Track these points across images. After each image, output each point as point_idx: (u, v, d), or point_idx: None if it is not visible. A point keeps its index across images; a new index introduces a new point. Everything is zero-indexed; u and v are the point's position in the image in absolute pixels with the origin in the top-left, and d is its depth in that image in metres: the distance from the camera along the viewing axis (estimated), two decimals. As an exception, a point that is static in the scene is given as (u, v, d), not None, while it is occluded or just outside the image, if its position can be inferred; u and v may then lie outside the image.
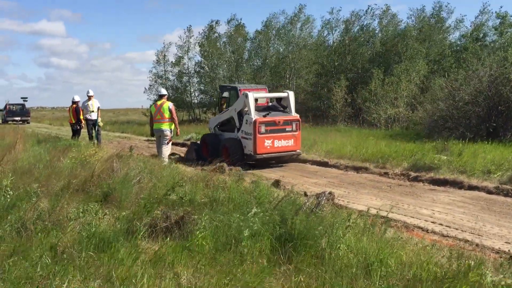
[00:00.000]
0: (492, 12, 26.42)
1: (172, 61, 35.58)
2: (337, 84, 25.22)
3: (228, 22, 33.51)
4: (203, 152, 11.41)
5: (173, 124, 9.95)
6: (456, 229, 5.45)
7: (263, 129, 10.06)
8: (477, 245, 4.70)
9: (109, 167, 6.26)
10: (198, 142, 12.34)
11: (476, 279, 3.19)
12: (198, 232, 4.05)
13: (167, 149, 10.06)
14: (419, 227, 5.50)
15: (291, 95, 10.91)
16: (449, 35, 28.72)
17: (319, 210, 4.57)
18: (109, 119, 36.53)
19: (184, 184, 5.84)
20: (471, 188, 7.72)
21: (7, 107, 36.72)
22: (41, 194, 5.07)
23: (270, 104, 11.41)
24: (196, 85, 35.38)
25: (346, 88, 24.94)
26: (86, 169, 6.52)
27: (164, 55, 35.78)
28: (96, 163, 6.75)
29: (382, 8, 29.65)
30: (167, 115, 9.80)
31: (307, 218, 4.22)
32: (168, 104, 9.90)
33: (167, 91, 12.73)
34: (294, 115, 10.73)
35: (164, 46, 39.89)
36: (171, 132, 9.99)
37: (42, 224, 4.21)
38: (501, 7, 42.88)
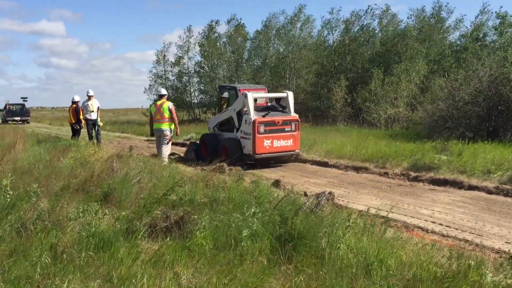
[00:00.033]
0: (492, 12, 26.50)
1: (172, 61, 35.63)
2: (337, 84, 25.23)
3: (228, 22, 33.57)
4: (202, 152, 11.42)
5: (173, 124, 9.95)
6: (456, 229, 5.45)
7: (262, 129, 10.07)
8: (477, 245, 4.69)
9: (109, 167, 6.25)
10: (197, 142, 12.35)
11: (476, 279, 3.19)
12: (198, 232, 4.05)
13: (167, 149, 10.06)
14: (419, 227, 5.50)
15: (290, 95, 10.92)
16: (449, 35, 28.75)
17: (319, 210, 4.56)
18: (109, 119, 36.54)
19: (184, 184, 5.84)
20: (471, 188, 7.72)
21: (7, 107, 36.74)
22: (41, 194, 5.07)
23: (269, 104, 11.42)
24: (196, 85, 35.45)
25: (346, 88, 24.95)
26: (86, 169, 6.52)
27: (164, 55, 35.82)
28: (96, 163, 6.75)
29: (382, 8, 29.70)
30: (167, 115, 9.80)
31: (307, 218, 4.22)
32: (168, 104, 9.90)
33: (167, 91, 12.72)
34: (293, 115, 10.73)
35: (164, 46, 39.96)
36: (171, 132, 9.98)
37: (42, 224, 4.21)
38: (501, 7, 42.95)
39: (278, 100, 11.17)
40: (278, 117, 10.46)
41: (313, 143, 12.64)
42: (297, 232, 3.97)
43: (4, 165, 6.47)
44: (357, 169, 9.88)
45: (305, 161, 11.17)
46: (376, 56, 27.36)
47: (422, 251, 3.86)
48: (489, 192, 7.42)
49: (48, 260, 3.39)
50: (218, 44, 33.30)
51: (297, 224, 4.05)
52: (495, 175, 8.16)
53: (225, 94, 11.63)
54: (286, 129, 10.43)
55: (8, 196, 4.86)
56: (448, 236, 5.14)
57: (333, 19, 30.02)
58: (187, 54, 34.86)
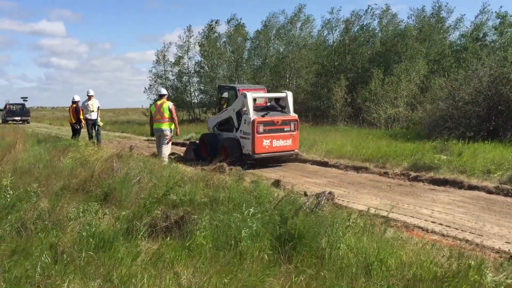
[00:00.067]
0: (492, 12, 26.50)
1: (172, 61, 35.63)
2: (337, 84, 25.23)
3: (228, 22, 33.59)
4: (202, 152, 11.43)
5: (173, 124, 9.95)
6: (456, 229, 5.45)
7: (261, 129, 10.08)
8: (477, 245, 4.69)
9: (109, 167, 6.25)
10: (197, 142, 12.35)
11: (476, 278, 3.19)
12: (198, 232, 4.05)
13: (167, 149, 10.06)
14: (419, 227, 5.50)
15: (290, 95, 10.92)
16: (449, 35, 28.74)
17: (319, 210, 4.57)
18: (109, 119, 36.55)
19: (184, 184, 5.84)
20: (471, 188, 7.72)
21: (7, 107, 36.75)
22: (41, 194, 5.07)
23: (269, 104, 11.42)
24: (196, 85, 35.47)
25: (346, 88, 24.95)
26: (86, 169, 6.52)
27: (164, 55, 35.84)
28: (96, 163, 6.74)
29: (382, 8, 29.74)
30: (167, 115, 9.80)
31: (307, 218, 4.22)
32: (168, 104, 9.90)
33: (167, 91, 12.73)
34: (292, 115, 10.74)
35: (164, 46, 40.06)
36: (171, 132, 9.98)
37: (42, 224, 4.21)
38: (501, 7, 42.95)
39: (277, 100, 11.18)
40: (277, 117, 10.47)
41: (313, 143, 12.65)
42: (297, 232, 3.97)
43: (4, 165, 6.47)
44: (357, 169, 9.88)
45: (305, 161, 11.17)
46: (376, 56, 27.36)
47: (422, 251, 3.86)
48: (489, 192, 7.42)
49: (48, 260, 3.39)
50: (218, 44, 33.31)
51: (297, 224, 4.05)
52: (495, 175, 8.17)
53: (225, 94, 11.64)
54: (285, 129, 10.45)
55: (8, 196, 4.86)
56: (448, 236, 5.14)
57: (333, 19, 30.09)
58: (187, 54, 34.93)
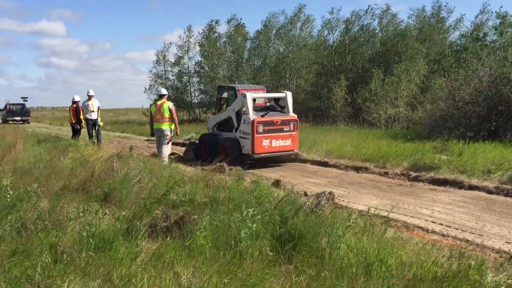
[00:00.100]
0: (492, 12, 26.49)
1: (172, 61, 35.64)
2: (337, 84, 25.22)
3: (228, 22, 33.59)
4: (201, 152, 11.43)
5: (173, 124, 9.95)
6: (456, 229, 5.45)
7: (261, 129, 10.09)
8: (477, 245, 4.69)
9: (109, 167, 6.25)
10: (197, 142, 12.36)
11: (476, 278, 3.19)
12: (198, 231, 4.05)
13: (167, 149, 10.06)
14: (419, 227, 5.50)
15: (289, 95, 10.93)
16: (449, 35, 28.74)
17: (319, 210, 4.56)
18: (109, 119, 36.55)
19: (184, 184, 5.84)
20: (471, 188, 7.72)
21: (7, 107, 36.76)
22: (41, 194, 5.07)
23: (268, 104, 11.43)
24: (196, 85, 35.47)
25: (346, 88, 24.94)
26: (86, 169, 6.52)
27: (164, 55, 35.84)
28: (96, 163, 6.74)
29: (382, 8, 29.71)
30: (167, 115, 9.80)
31: (307, 218, 4.22)
32: (168, 104, 9.90)
33: (167, 91, 12.73)
34: (292, 115, 10.75)
35: (164, 46, 40.06)
36: (171, 132, 9.99)
37: (42, 224, 4.21)
38: (501, 7, 42.90)
39: (276, 100, 11.18)
40: (276, 117, 10.48)
41: (313, 143, 12.65)
42: (297, 232, 3.96)
43: (4, 165, 6.47)
44: (357, 169, 9.88)
45: (305, 161, 11.17)
46: (376, 56, 27.36)
47: (422, 251, 3.86)
48: (489, 192, 7.42)
49: (48, 260, 3.38)
50: (218, 44, 33.31)
51: (297, 224, 4.05)
52: (495, 175, 8.16)
53: (224, 94, 11.65)
54: (284, 129, 10.46)
55: (8, 196, 4.86)
56: (448, 236, 5.14)
57: (333, 19, 30.08)
58: (187, 54, 34.93)
